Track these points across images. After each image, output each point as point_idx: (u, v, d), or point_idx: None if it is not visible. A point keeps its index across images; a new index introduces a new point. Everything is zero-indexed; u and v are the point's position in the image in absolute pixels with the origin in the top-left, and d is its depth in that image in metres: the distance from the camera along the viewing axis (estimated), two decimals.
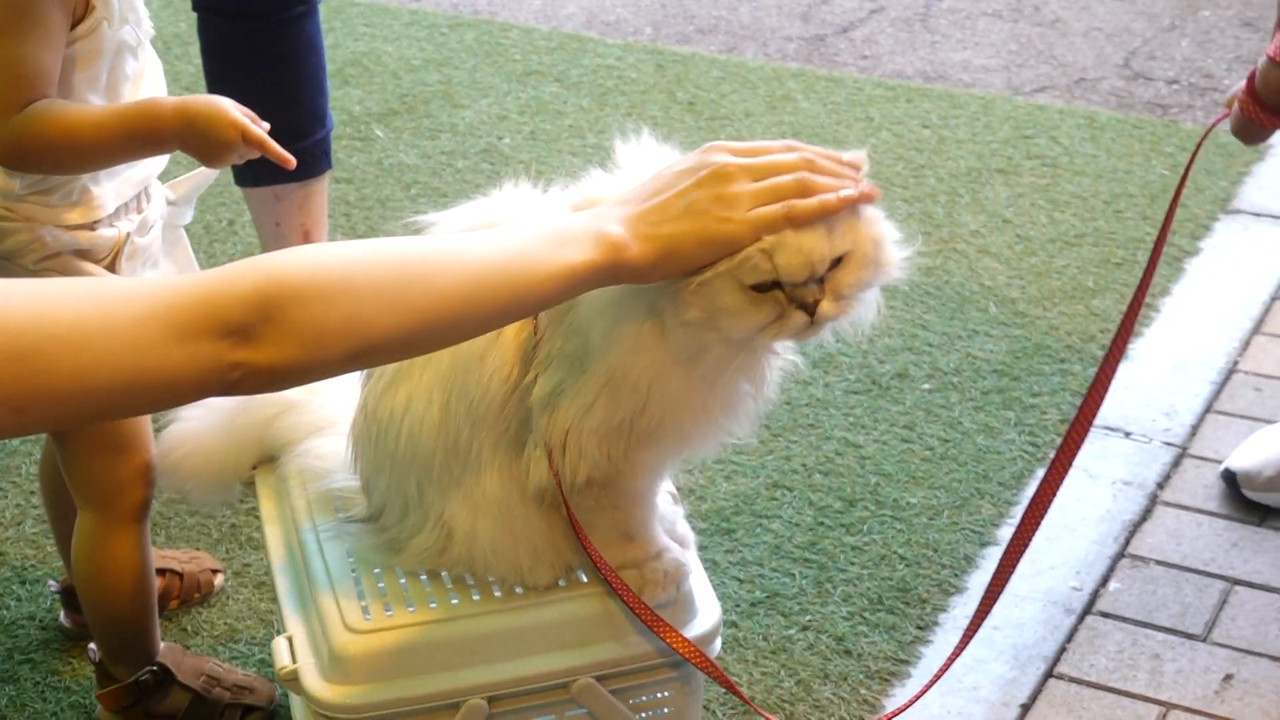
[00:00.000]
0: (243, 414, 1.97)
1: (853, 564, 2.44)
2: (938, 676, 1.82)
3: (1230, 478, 2.56)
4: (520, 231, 1.43)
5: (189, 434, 1.98)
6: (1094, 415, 1.76)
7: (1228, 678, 2.23)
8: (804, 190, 1.45)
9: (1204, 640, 2.29)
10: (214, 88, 2.68)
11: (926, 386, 2.85)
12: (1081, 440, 1.75)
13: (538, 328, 1.61)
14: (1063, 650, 2.29)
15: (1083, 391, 2.82)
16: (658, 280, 1.47)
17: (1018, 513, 2.54)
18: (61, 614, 2.34)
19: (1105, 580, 2.42)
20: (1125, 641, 2.30)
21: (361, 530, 1.81)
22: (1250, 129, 1.80)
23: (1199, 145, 1.83)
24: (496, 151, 3.74)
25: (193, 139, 1.82)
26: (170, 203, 2.05)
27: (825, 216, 1.46)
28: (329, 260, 1.33)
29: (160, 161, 1.99)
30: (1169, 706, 2.18)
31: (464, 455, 1.67)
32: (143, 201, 1.98)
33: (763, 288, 1.48)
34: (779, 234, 1.45)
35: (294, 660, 1.75)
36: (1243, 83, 1.83)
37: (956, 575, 2.42)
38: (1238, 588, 2.38)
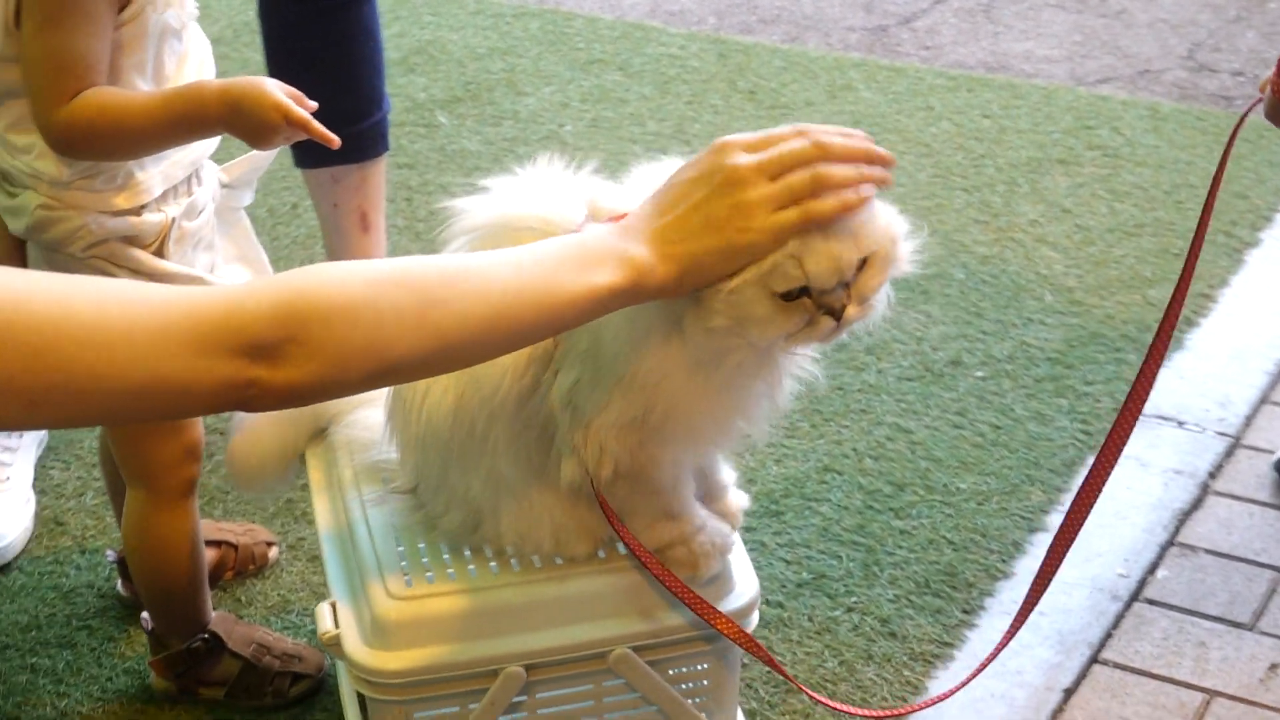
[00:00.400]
0: None
1: (900, 548, 2.45)
2: (986, 663, 1.83)
3: None
4: (545, 250, 1.42)
5: (247, 432, 2.02)
6: (1143, 402, 1.74)
7: (1273, 667, 2.22)
8: (819, 185, 1.44)
9: (1251, 629, 2.29)
10: (273, 71, 2.71)
11: (979, 374, 2.85)
12: (1130, 428, 1.74)
13: None
14: (1108, 636, 2.29)
15: None
16: (683, 295, 1.47)
17: (1067, 499, 2.54)
18: (119, 583, 2.38)
19: (1153, 568, 2.41)
20: (1171, 629, 2.29)
21: (403, 501, 1.84)
22: None
23: (1235, 130, 1.81)
24: (558, 139, 3.76)
25: (237, 121, 1.83)
26: (224, 185, 2.07)
27: (844, 214, 1.45)
28: (353, 279, 1.32)
29: (211, 144, 2.01)
30: (1213, 694, 2.18)
31: (480, 442, 1.69)
32: (193, 184, 1.99)
33: (791, 295, 1.47)
34: (806, 239, 1.44)
35: (336, 626, 1.78)
36: (1275, 69, 1.82)
37: (1004, 560, 2.42)
38: None
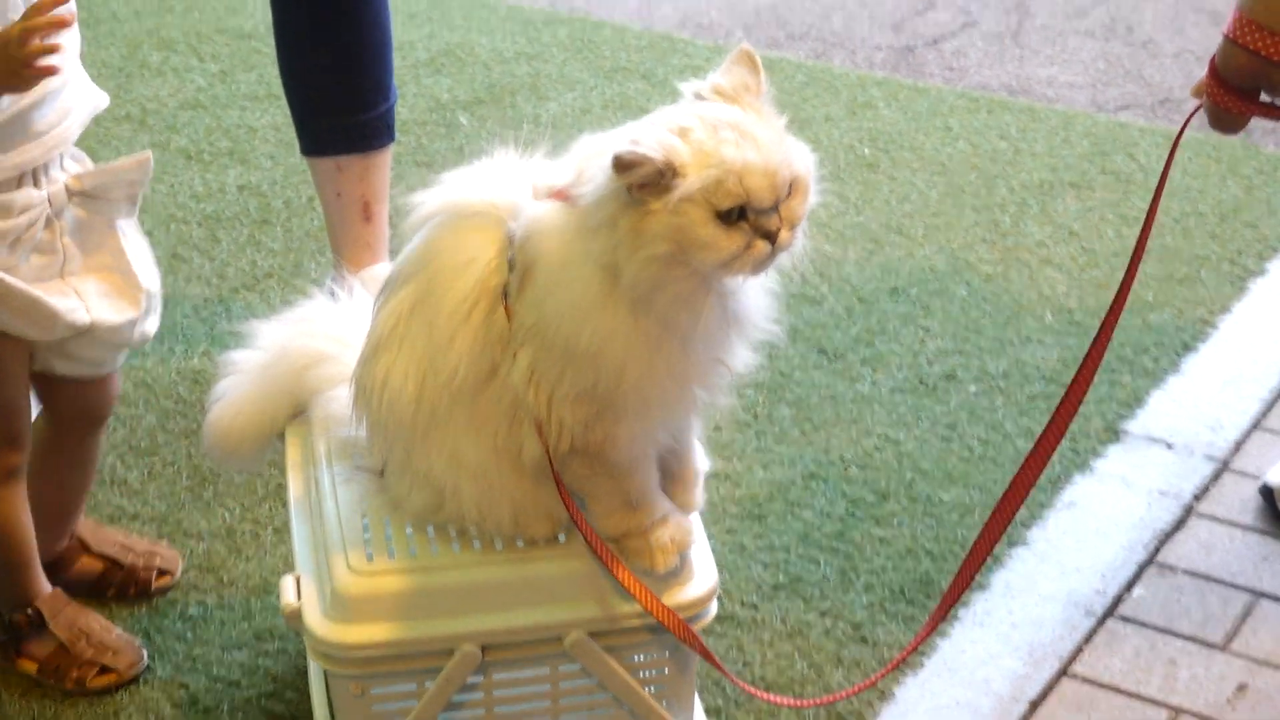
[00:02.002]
0: (273, 367, 2.04)
1: (879, 555, 2.46)
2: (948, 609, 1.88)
3: (1268, 493, 2.55)
4: None
5: (226, 405, 2.05)
6: (1080, 398, 1.82)
7: (1241, 687, 2.22)
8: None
9: (1222, 649, 2.29)
10: (282, 58, 2.76)
11: (973, 389, 2.87)
12: (1065, 427, 1.81)
13: (509, 308, 1.67)
14: (1079, 651, 2.30)
15: (1130, 402, 2.83)
16: None
17: (1050, 516, 2.56)
18: None
19: (1130, 586, 2.42)
20: (1143, 646, 2.30)
21: (372, 480, 1.87)
22: (1224, 117, 1.71)
23: (1177, 138, 1.81)
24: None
25: None
26: (75, 192, 2.05)
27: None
28: None
29: (48, 148, 2.00)
30: (1179, 711, 2.18)
31: (442, 425, 1.73)
32: (24, 183, 1.99)
33: (730, 216, 1.55)
34: (747, 160, 1.55)
35: (299, 599, 1.81)
36: (1207, 72, 1.74)
37: (981, 573, 2.42)
38: (1262, 601, 2.38)
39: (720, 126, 1.58)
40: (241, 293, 3.14)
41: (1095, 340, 1.81)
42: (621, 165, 1.54)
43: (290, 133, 2.96)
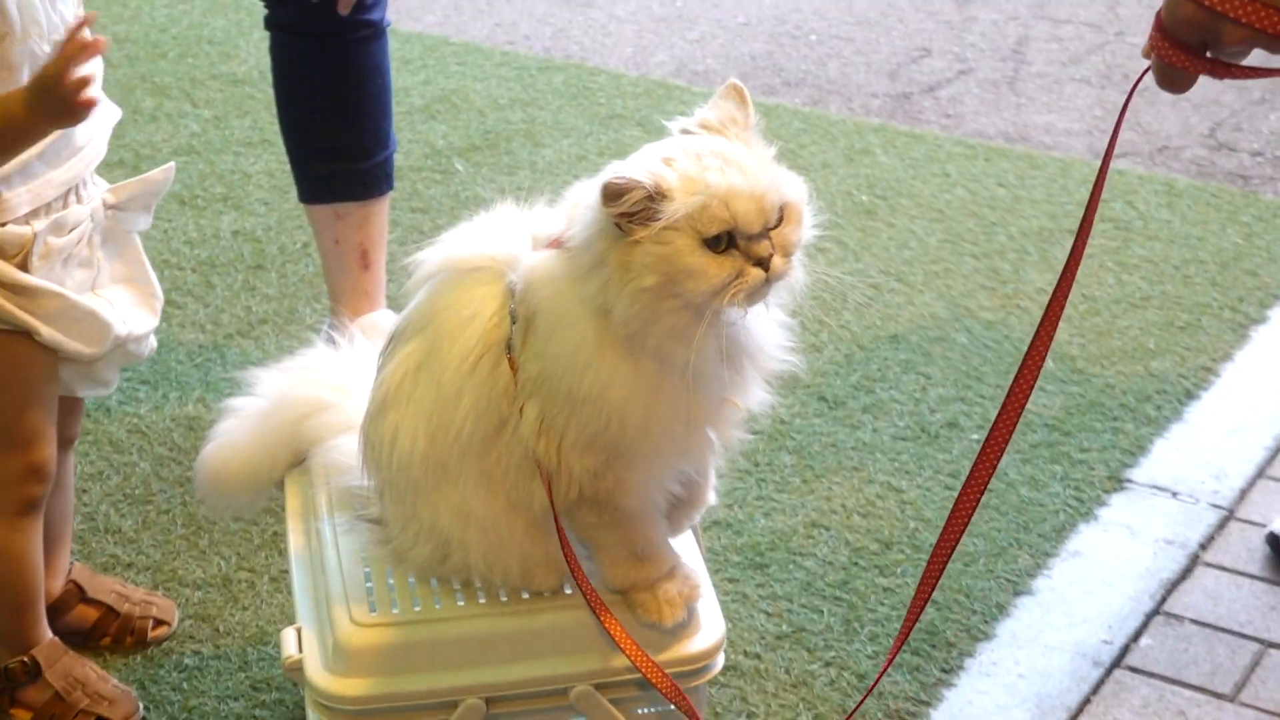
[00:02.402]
0: (273, 414, 2.01)
1: (883, 604, 2.43)
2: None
3: (1274, 541, 2.53)
4: None
5: (223, 446, 2.03)
6: (1027, 394, 1.76)
7: None
8: None
9: (1231, 700, 2.26)
10: (281, 105, 2.74)
11: (975, 437, 2.84)
12: (1013, 425, 1.78)
13: (513, 361, 1.65)
14: (1087, 702, 2.27)
15: (1134, 450, 2.80)
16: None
17: (1055, 564, 2.53)
18: None
19: (1138, 636, 2.39)
20: (1151, 697, 2.27)
21: (374, 531, 1.84)
22: (1172, 74, 1.54)
23: (1127, 100, 1.73)
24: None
25: (39, 92, 1.83)
26: (111, 206, 2.08)
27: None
28: None
29: (88, 164, 2.03)
30: None
31: (452, 478, 1.71)
32: (69, 200, 2.01)
33: (718, 244, 1.53)
34: (732, 185, 1.53)
35: (300, 650, 1.78)
36: (1153, 27, 1.55)
37: (986, 622, 2.40)
38: (1271, 650, 2.35)
39: (704, 155, 1.57)
40: (236, 339, 3.12)
41: (1037, 334, 1.74)
42: (610, 194, 1.52)
43: (284, 178, 2.95)
